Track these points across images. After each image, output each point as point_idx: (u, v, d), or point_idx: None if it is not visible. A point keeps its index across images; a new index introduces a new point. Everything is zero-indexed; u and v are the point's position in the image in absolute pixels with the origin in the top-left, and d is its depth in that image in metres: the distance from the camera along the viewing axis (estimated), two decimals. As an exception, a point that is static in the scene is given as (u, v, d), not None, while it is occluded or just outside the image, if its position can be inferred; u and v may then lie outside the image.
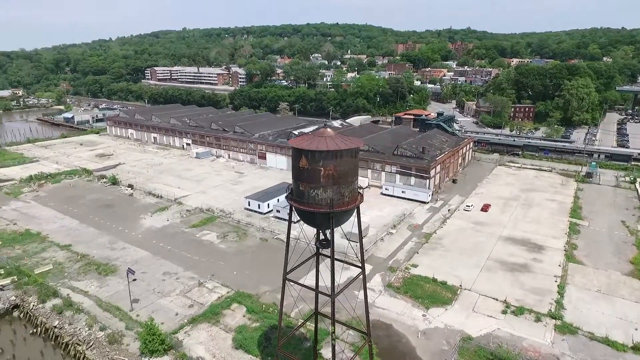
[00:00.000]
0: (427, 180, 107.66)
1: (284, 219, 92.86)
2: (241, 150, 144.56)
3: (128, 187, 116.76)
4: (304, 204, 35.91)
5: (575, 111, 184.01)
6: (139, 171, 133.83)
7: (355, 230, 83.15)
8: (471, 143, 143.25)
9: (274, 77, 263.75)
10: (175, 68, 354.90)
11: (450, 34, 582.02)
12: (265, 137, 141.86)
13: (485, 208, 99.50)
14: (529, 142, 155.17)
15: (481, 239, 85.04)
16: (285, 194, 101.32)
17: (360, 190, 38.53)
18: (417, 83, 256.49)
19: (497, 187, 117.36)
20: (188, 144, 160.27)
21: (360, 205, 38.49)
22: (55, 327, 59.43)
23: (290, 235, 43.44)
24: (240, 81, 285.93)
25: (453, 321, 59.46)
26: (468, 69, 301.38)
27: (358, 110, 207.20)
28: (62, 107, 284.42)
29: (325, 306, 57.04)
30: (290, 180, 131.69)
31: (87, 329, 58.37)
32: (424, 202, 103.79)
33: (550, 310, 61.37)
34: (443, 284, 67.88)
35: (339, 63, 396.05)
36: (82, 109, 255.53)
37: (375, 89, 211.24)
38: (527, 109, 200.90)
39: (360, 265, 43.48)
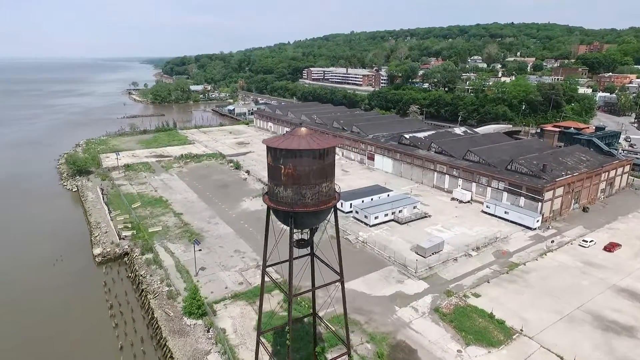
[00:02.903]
0: (539, 203, 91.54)
1: (361, 221, 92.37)
2: (353, 149, 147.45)
3: (245, 172, 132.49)
4: (271, 201, 36.67)
5: None
6: (261, 160, 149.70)
7: (424, 245, 77.77)
8: (627, 166, 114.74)
9: (415, 80, 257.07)
10: (329, 69, 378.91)
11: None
12: (377, 139, 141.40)
13: (610, 247, 79.63)
14: None
15: (583, 282, 68.92)
16: (371, 197, 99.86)
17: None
18: (586, 91, 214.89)
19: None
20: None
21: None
22: (141, 275, 73.30)
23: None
24: (382, 83, 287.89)
25: (491, 367, 50.88)
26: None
27: (497, 118, 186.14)
28: (231, 100, 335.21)
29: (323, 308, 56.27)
30: (388, 184, 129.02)
31: (159, 282, 70.31)
32: (528, 228, 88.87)
33: (635, 391, 46.76)
34: (500, 322, 58.15)
35: (499, 66, 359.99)
36: (243, 102, 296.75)
37: (522, 96, 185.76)
38: None
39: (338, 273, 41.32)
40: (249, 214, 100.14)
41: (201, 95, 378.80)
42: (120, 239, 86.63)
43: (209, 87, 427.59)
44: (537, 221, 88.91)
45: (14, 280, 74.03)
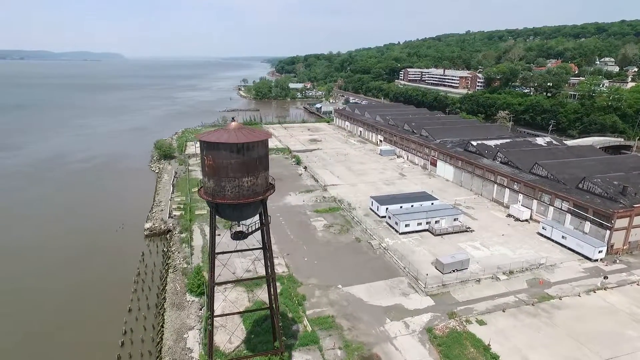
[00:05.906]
0: (607, 231, 77.00)
1: (392, 227, 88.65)
2: (418, 153, 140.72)
3: (303, 168, 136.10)
4: (202, 191, 38.28)
5: None
6: (324, 157, 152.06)
7: (443, 260, 72.19)
8: None
9: (516, 83, 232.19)
10: (427, 70, 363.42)
11: None
12: (444, 144, 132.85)
13: (691, 296, 63.65)
14: None
15: (629, 332, 56.62)
16: (412, 203, 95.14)
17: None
18: None
19: None
20: (381, 141, 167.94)
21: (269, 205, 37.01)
22: (171, 250, 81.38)
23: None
24: (478, 85, 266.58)
25: (462, 402, 45.47)
26: None
27: (604, 129, 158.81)
28: (324, 99, 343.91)
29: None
30: (444, 193, 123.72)
31: (181, 259, 77.31)
32: (587, 258, 75.54)
33: None
34: (493, 357, 51.27)
35: (634, 69, 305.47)
36: (331, 101, 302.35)
37: (639, 104, 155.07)
38: None
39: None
40: (288, 207, 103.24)
41: (298, 93, 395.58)
42: (169, 217, 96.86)
43: (308, 85, 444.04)
44: (600, 252, 74.99)
45: (80, 239, 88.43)
